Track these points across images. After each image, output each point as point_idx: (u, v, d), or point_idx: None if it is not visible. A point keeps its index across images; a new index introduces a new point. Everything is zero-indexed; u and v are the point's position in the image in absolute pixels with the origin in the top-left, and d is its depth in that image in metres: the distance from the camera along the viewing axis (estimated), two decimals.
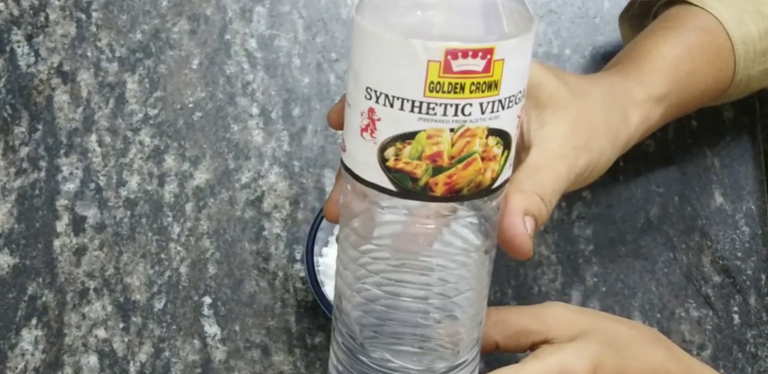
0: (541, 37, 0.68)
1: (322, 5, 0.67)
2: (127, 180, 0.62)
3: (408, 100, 0.35)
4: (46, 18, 0.66)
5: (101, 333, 0.59)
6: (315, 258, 0.56)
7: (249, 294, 0.60)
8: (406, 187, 0.37)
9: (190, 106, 0.64)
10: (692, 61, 0.54)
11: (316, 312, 0.60)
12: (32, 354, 0.59)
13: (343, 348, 0.43)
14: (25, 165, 0.62)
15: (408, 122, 0.35)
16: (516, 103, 0.36)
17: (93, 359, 0.59)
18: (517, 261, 0.62)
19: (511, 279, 0.62)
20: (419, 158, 0.36)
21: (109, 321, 0.59)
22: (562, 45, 0.68)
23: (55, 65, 0.65)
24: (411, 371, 0.42)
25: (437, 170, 0.36)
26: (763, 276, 0.63)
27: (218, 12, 0.66)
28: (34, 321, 0.59)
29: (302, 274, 0.61)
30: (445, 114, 0.35)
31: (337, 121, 0.41)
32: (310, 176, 0.63)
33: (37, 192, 0.62)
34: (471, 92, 0.35)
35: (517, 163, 0.44)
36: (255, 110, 0.64)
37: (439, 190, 0.37)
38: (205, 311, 0.60)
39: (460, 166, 0.36)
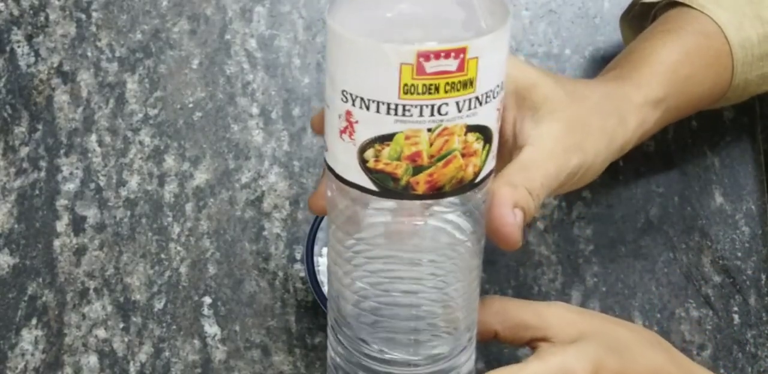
0: (541, 37, 0.68)
1: (322, 5, 0.67)
2: (127, 180, 0.62)
3: (383, 103, 0.35)
4: (46, 18, 0.66)
5: (101, 333, 0.59)
6: (315, 258, 0.56)
7: (249, 294, 0.60)
8: (388, 186, 0.37)
9: (190, 106, 0.64)
10: (690, 65, 0.54)
11: (316, 312, 0.60)
12: (32, 354, 0.59)
13: (339, 340, 0.43)
14: (25, 165, 0.62)
15: (385, 124, 0.35)
16: (494, 98, 0.36)
17: (93, 359, 0.59)
18: (517, 261, 0.62)
19: (511, 279, 0.62)
20: (398, 159, 0.36)
21: (109, 321, 0.59)
22: (562, 45, 0.68)
23: (55, 65, 0.65)
24: (408, 361, 0.42)
25: (417, 169, 0.36)
26: (763, 276, 0.63)
27: (218, 12, 0.66)
28: (34, 321, 0.59)
29: (302, 274, 0.61)
30: (421, 115, 0.35)
31: (320, 129, 0.42)
32: (310, 176, 0.63)
33: (37, 192, 0.62)
34: (446, 92, 0.35)
35: (509, 161, 0.45)
36: (255, 110, 0.64)
37: (421, 189, 0.37)
38: (205, 311, 0.60)
39: (440, 164, 0.36)
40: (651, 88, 0.52)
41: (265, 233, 0.62)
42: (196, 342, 0.59)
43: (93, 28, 0.66)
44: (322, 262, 0.57)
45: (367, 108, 0.35)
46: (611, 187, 0.64)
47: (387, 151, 0.36)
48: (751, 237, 0.64)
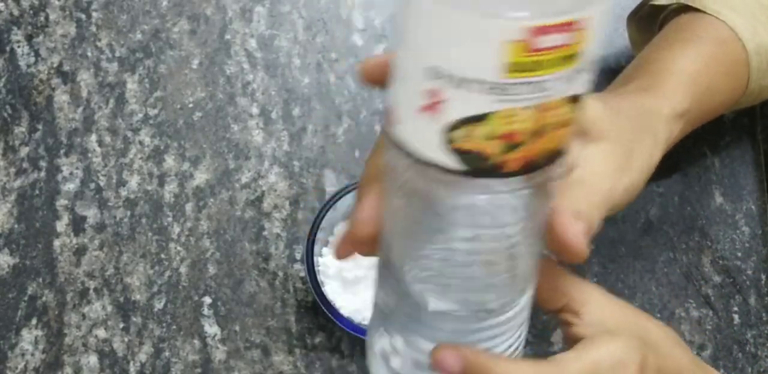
0: None
1: (322, 5, 0.67)
2: (127, 180, 0.62)
3: (482, 82, 0.31)
4: (46, 18, 0.66)
5: (101, 333, 0.59)
6: (315, 258, 0.56)
7: (249, 294, 0.60)
8: (476, 166, 0.33)
9: (190, 106, 0.64)
10: (708, 75, 0.53)
11: (316, 312, 0.60)
12: (32, 354, 0.59)
13: (389, 292, 0.41)
14: (25, 165, 0.62)
15: (481, 103, 0.31)
16: (593, 63, 0.33)
17: (93, 359, 0.59)
18: None
19: None
20: (493, 138, 0.32)
21: (109, 321, 0.59)
22: None
23: (55, 65, 0.65)
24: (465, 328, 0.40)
25: (512, 147, 0.33)
26: (763, 276, 0.63)
27: (218, 12, 0.66)
28: (34, 321, 0.59)
29: (302, 274, 0.61)
30: (523, 93, 0.31)
31: (374, 78, 0.37)
32: (310, 176, 0.63)
33: (37, 192, 0.62)
34: (552, 67, 0.31)
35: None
36: (255, 110, 0.64)
37: (513, 166, 0.33)
38: (205, 311, 0.60)
39: (536, 139, 0.33)
40: (677, 101, 0.51)
41: (265, 233, 0.62)
42: (196, 342, 0.59)
43: (93, 28, 0.66)
44: (322, 262, 0.57)
45: (461, 87, 0.31)
46: None
47: (480, 130, 0.32)
48: (751, 237, 0.64)
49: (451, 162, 0.33)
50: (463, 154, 0.33)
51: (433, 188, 0.35)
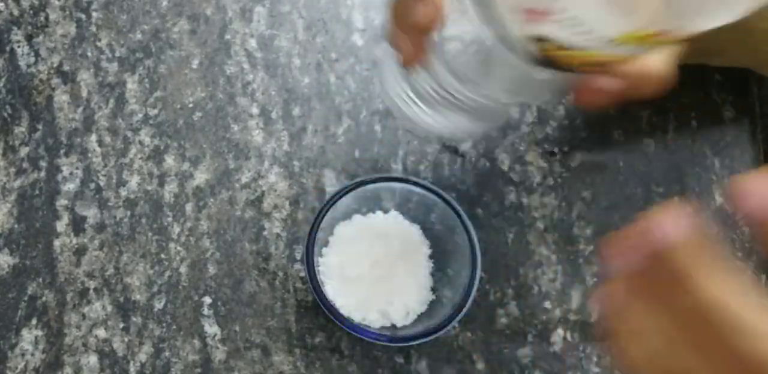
0: None
1: (322, 5, 0.67)
2: (127, 180, 0.62)
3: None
4: (46, 18, 0.66)
5: (101, 333, 0.59)
6: (315, 258, 0.56)
7: (249, 294, 0.60)
8: None
9: (190, 106, 0.64)
10: None
11: (316, 312, 0.60)
12: (32, 354, 0.59)
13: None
14: (25, 165, 0.62)
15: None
16: None
17: (93, 359, 0.59)
18: (517, 261, 0.62)
19: (511, 279, 0.62)
20: None
21: (109, 321, 0.59)
22: None
23: (55, 65, 0.65)
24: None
25: None
26: (763, 276, 0.63)
27: (218, 12, 0.66)
28: (34, 321, 0.59)
29: (302, 274, 0.61)
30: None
31: None
32: (310, 176, 0.63)
33: (37, 192, 0.62)
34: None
35: None
36: (255, 110, 0.64)
37: None
38: (205, 311, 0.60)
39: None
40: None
41: (265, 233, 0.62)
42: (196, 342, 0.59)
43: (93, 28, 0.66)
44: (322, 262, 0.57)
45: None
46: (611, 187, 0.64)
47: None
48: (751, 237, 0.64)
49: None
50: None
51: None
